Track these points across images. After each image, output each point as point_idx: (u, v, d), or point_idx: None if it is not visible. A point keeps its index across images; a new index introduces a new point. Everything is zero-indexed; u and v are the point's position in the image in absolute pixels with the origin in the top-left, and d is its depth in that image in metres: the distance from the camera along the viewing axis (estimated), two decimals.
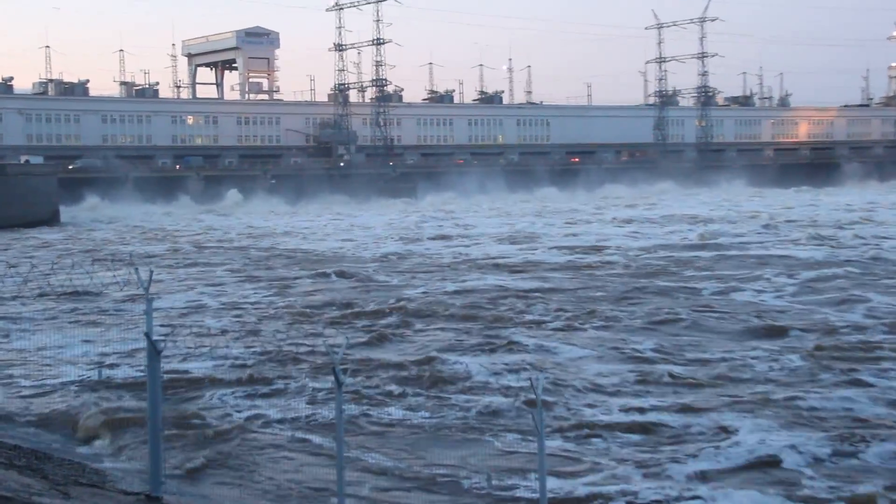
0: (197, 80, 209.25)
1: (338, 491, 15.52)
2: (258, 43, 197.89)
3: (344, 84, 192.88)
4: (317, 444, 22.54)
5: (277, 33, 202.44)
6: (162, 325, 35.17)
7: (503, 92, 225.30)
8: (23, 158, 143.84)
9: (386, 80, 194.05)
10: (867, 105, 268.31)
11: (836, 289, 46.73)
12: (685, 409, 25.39)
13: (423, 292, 48.33)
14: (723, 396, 26.61)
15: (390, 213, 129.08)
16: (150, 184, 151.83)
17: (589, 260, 62.93)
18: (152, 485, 17.39)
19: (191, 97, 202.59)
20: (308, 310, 43.12)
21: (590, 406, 25.98)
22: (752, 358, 31.34)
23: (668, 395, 27.06)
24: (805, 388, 27.16)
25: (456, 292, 47.89)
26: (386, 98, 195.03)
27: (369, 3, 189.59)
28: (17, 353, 33.32)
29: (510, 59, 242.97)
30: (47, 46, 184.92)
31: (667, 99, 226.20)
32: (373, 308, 43.18)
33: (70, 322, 39.80)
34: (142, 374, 23.05)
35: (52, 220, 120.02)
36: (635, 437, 23.29)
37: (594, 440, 23.07)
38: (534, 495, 17.95)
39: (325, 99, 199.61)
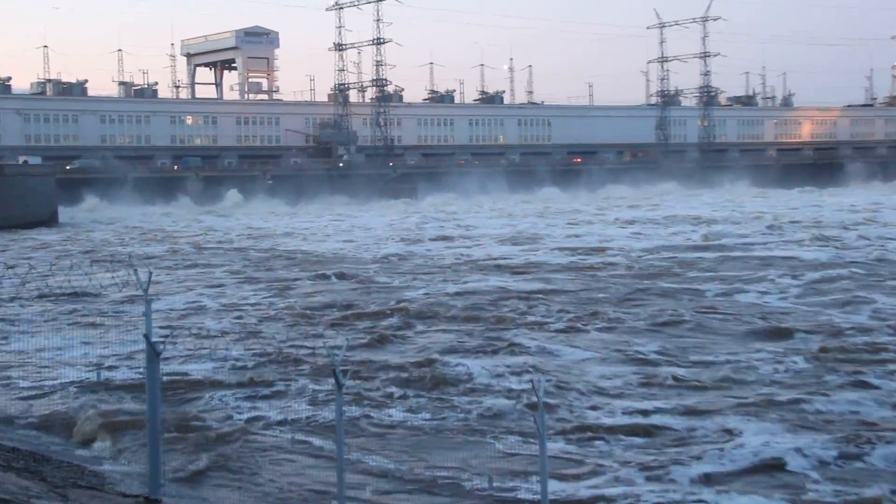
0: (196, 80, 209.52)
1: (338, 494, 15.44)
2: (258, 43, 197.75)
3: (344, 84, 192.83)
4: (317, 447, 22.40)
5: (277, 33, 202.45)
6: (161, 327, 34.89)
7: (504, 92, 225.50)
8: (21, 159, 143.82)
9: (386, 79, 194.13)
10: (871, 105, 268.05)
11: (840, 290, 46.51)
12: (689, 412, 25.23)
13: (425, 294, 48.14)
14: (727, 399, 26.44)
15: (391, 214, 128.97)
16: (150, 184, 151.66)
17: (591, 261, 62.71)
18: (151, 487, 17.30)
19: (190, 97, 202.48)
20: (308, 311, 42.94)
21: (592, 408, 25.82)
22: (757, 360, 31.13)
23: (671, 397, 26.89)
24: (810, 391, 26.96)
25: (457, 294, 47.70)
26: (386, 98, 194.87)
27: (369, 3, 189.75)
28: (15, 354, 33.04)
29: (511, 59, 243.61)
30: (45, 46, 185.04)
31: (669, 99, 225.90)
32: (374, 309, 43.00)
33: (69, 324, 39.64)
34: (141, 375, 23.14)
35: (50, 220, 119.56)
36: (638, 440, 23.13)
37: (597, 442, 22.93)
38: (535, 497, 17.72)
39: (325, 99, 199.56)
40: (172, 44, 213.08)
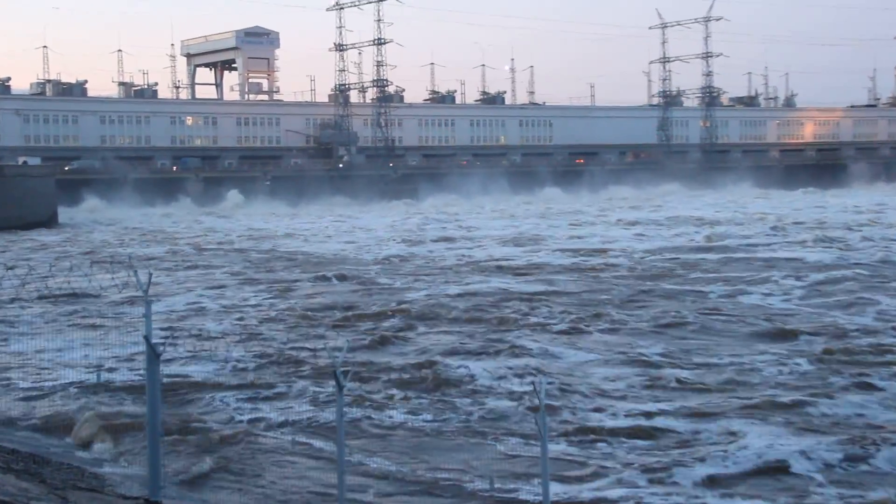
0: (196, 81, 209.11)
1: (339, 496, 15.38)
2: (258, 43, 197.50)
3: (344, 84, 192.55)
4: (318, 448, 22.31)
5: (277, 33, 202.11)
6: (162, 329, 35.03)
7: (505, 92, 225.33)
8: (20, 160, 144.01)
9: (387, 80, 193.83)
10: (874, 105, 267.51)
11: (845, 291, 46.39)
12: (692, 414, 25.13)
13: (426, 295, 48.01)
14: (730, 401, 26.32)
15: (392, 215, 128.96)
16: (149, 185, 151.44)
17: (594, 262, 62.56)
18: (151, 489, 17.21)
19: (190, 98, 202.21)
20: (309, 313, 42.82)
21: (595, 410, 25.72)
22: (761, 362, 31.00)
23: (674, 399, 26.76)
24: (814, 393, 26.82)
25: (459, 295, 47.58)
26: (387, 98, 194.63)
27: (370, 3, 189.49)
28: (15, 355, 32.83)
29: (512, 60, 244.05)
30: (45, 46, 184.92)
31: (671, 99, 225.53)
32: (375, 311, 42.93)
33: (69, 325, 39.59)
34: (141, 377, 23.06)
35: (50, 221, 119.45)
36: (641, 442, 23.03)
37: (599, 444, 22.85)
38: (537, 499, 17.74)
39: (326, 99, 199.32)
40: (172, 44, 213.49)
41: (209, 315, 43.24)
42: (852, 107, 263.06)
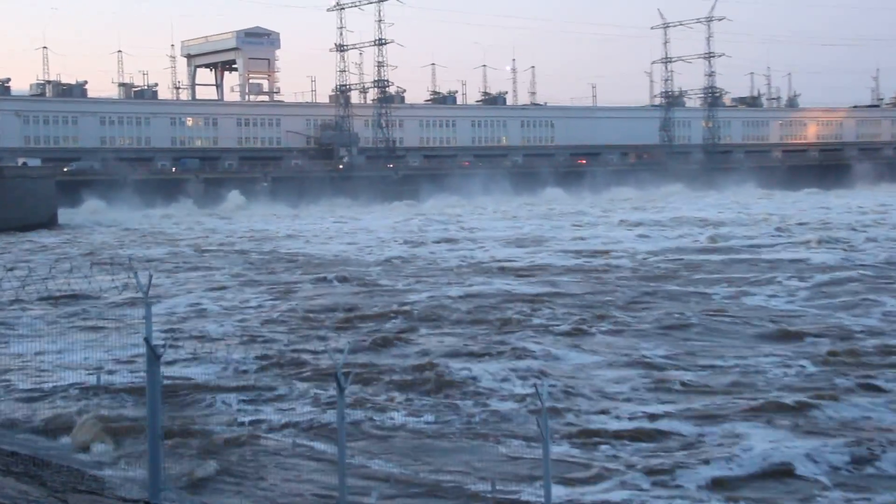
0: (196, 82, 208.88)
1: (340, 498, 15.42)
2: (258, 43, 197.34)
3: (345, 85, 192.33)
4: (320, 450, 22.25)
5: (278, 34, 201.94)
6: (162, 331, 35.05)
7: (507, 93, 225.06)
8: (20, 161, 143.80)
9: (388, 80, 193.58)
10: (877, 106, 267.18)
11: (849, 292, 46.28)
12: (696, 416, 25.03)
13: (428, 297, 47.85)
14: (735, 403, 26.23)
15: (393, 216, 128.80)
16: (150, 186, 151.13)
17: (597, 263, 62.49)
18: (152, 492, 17.08)
19: (190, 98, 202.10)
20: (311, 314, 42.76)
21: (599, 413, 25.62)
22: (765, 363, 30.89)
23: (678, 401, 26.66)
24: (820, 395, 26.67)
25: (462, 297, 47.42)
26: (388, 99, 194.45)
27: (371, 3, 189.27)
28: (15, 357, 32.69)
29: (514, 60, 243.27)
30: (45, 47, 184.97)
31: (673, 100, 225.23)
32: (377, 312, 42.82)
33: (69, 327, 39.41)
34: (141, 379, 22.76)
35: (49, 223, 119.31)
36: (645, 445, 22.94)
37: (603, 447, 22.76)
38: (539, 501, 17.46)
39: (327, 100, 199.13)
40: (172, 45, 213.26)
41: (210, 317, 43.13)
42: (855, 107, 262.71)
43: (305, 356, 32.88)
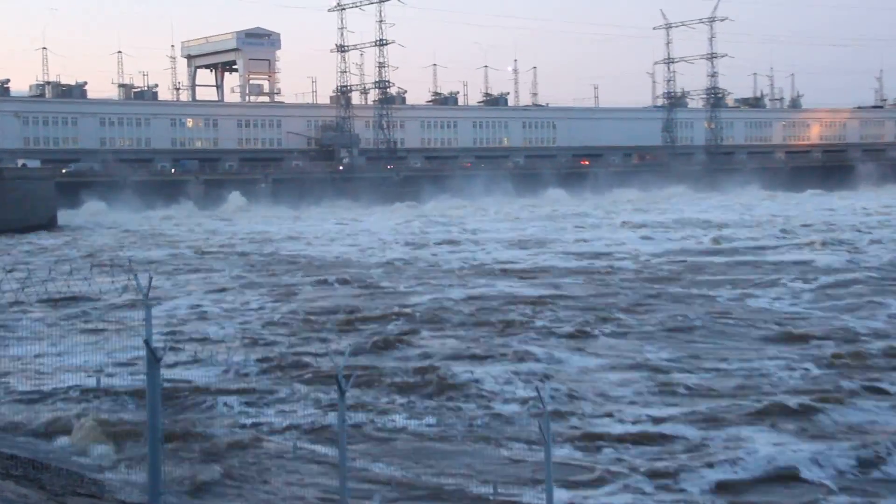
0: (196, 82, 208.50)
1: (340, 502, 15.49)
2: (259, 44, 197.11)
3: (346, 86, 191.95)
4: (321, 454, 22.06)
5: (278, 34, 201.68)
6: (163, 333, 35.04)
7: (508, 94, 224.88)
8: (20, 162, 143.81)
9: (389, 81, 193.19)
10: (880, 107, 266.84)
11: (854, 294, 46.26)
12: (701, 420, 24.95)
13: (430, 299, 47.73)
14: (739, 406, 26.14)
15: (395, 218, 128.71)
16: (150, 188, 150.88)
17: (600, 265, 62.42)
18: (152, 495, 16.81)
19: (190, 99, 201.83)
20: (312, 317, 42.72)
21: (602, 416, 25.59)
22: (770, 366, 30.81)
23: (682, 404, 26.58)
24: (825, 398, 26.57)
25: (464, 299, 47.33)
26: (389, 100, 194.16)
27: (372, 4, 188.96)
28: (14, 360, 32.66)
29: (515, 60, 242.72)
30: (44, 48, 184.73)
31: (675, 100, 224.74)
32: (378, 314, 42.78)
33: (69, 329, 39.45)
34: (141, 382, 22.21)
35: (49, 224, 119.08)
36: (649, 448, 22.88)
37: (606, 450, 22.75)
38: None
39: (327, 101, 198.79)
40: (173, 45, 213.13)
41: (211, 319, 43.10)
42: (859, 108, 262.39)
43: (307, 359, 32.78)
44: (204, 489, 20.24)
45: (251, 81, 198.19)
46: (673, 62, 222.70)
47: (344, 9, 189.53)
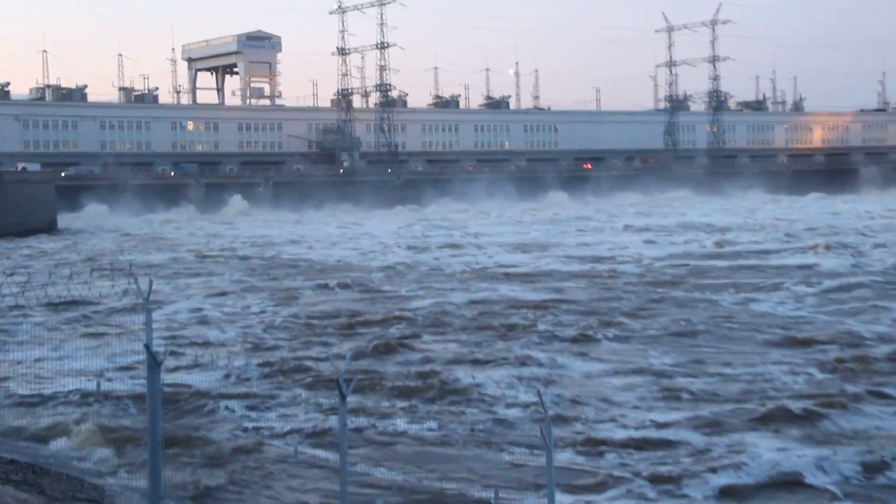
0: (197, 86, 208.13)
1: None
2: (259, 47, 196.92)
3: (347, 89, 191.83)
4: (323, 458, 22.09)
5: (279, 37, 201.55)
6: (163, 337, 35.07)
7: (510, 97, 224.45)
8: (20, 165, 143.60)
9: (390, 84, 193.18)
10: (883, 110, 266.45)
11: (858, 299, 46.13)
12: (704, 425, 24.91)
13: (432, 303, 47.69)
14: (743, 411, 26.07)
15: (396, 221, 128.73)
16: (150, 191, 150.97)
17: (603, 269, 62.23)
18: (152, 500, 17.12)
19: (191, 102, 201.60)
20: (313, 321, 42.66)
21: (604, 420, 25.52)
22: (774, 371, 30.71)
23: (686, 409, 26.50)
24: (829, 403, 26.44)
25: (466, 303, 47.26)
26: (390, 103, 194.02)
27: (373, 6, 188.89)
28: (14, 364, 32.56)
29: (517, 63, 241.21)
30: (45, 51, 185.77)
31: (677, 104, 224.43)
32: (380, 318, 42.69)
33: (69, 333, 39.38)
34: (142, 386, 22.25)
35: (49, 228, 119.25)
36: (652, 453, 22.82)
37: (609, 455, 22.71)
38: None
39: (328, 104, 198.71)
40: (173, 48, 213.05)
41: (212, 323, 43.05)
42: (862, 111, 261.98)
43: (308, 363, 32.74)
44: (207, 494, 20.19)
45: (252, 84, 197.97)
46: (675, 65, 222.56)
47: (345, 11, 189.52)
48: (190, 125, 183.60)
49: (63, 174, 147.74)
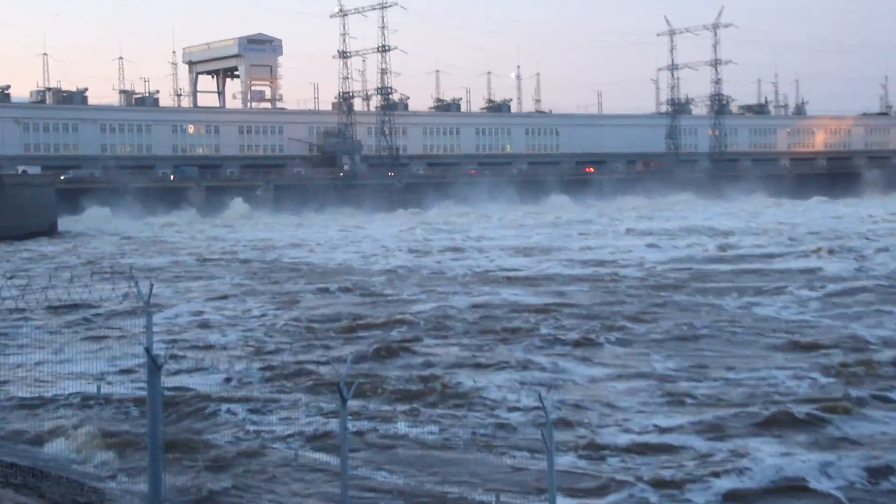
0: (198, 88, 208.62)
1: None
2: (260, 50, 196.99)
3: (348, 92, 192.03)
4: (324, 462, 21.93)
5: (280, 40, 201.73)
6: (164, 341, 34.95)
7: (511, 100, 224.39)
8: (20, 168, 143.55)
9: (391, 87, 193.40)
10: (886, 114, 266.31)
11: (862, 303, 46.01)
12: (708, 429, 24.80)
13: (434, 306, 47.57)
14: (746, 415, 25.93)
15: (398, 225, 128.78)
16: (151, 194, 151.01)
17: (606, 273, 62.15)
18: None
19: (191, 105, 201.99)
20: (314, 324, 42.56)
21: (607, 425, 25.44)
22: (778, 375, 30.56)
23: (689, 414, 26.38)
24: (833, 408, 26.33)
25: (468, 307, 47.15)
26: (391, 106, 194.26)
27: (374, 10, 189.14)
28: (14, 368, 32.52)
29: (518, 67, 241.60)
30: (45, 54, 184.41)
31: (679, 107, 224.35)
32: (381, 322, 42.63)
33: (69, 336, 39.36)
34: (142, 390, 22.51)
35: (50, 231, 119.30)
36: (654, 457, 22.74)
37: (611, 459, 22.63)
38: None
39: (329, 107, 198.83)
40: (174, 51, 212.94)
41: (213, 327, 42.97)
42: (864, 115, 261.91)
43: (309, 366, 32.65)
44: (209, 499, 20.14)
45: (253, 87, 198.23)
46: (677, 69, 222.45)
47: (346, 15, 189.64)
48: (191, 128, 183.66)
49: (63, 177, 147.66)
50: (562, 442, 22.88)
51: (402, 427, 25.04)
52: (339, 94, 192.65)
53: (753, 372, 31.00)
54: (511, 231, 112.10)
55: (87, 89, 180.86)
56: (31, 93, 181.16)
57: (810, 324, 40.57)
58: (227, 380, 31.13)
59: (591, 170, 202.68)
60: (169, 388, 25.28)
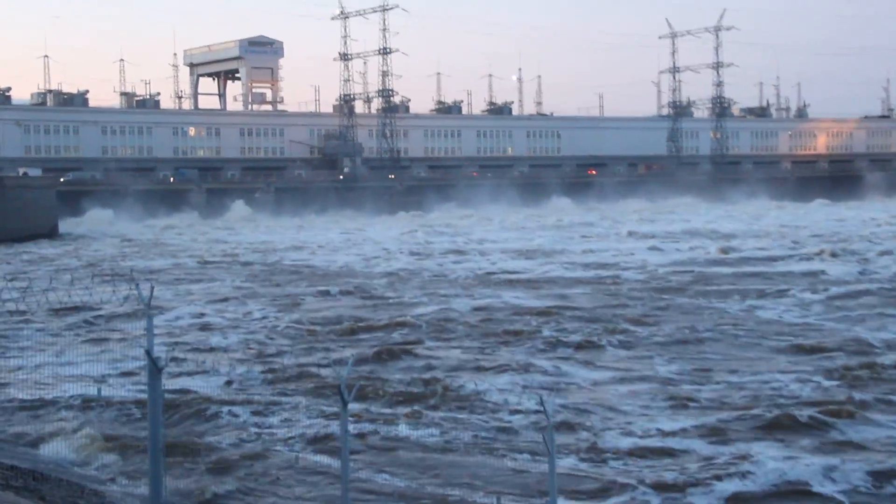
0: (199, 91, 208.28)
1: None
2: (261, 52, 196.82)
3: (349, 94, 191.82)
4: (325, 464, 21.93)
5: (281, 42, 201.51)
6: (165, 343, 34.57)
7: (513, 103, 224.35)
8: (21, 171, 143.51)
9: (392, 90, 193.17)
10: (888, 116, 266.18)
11: (865, 306, 46.00)
12: (710, 433, 24.76)
13: (436, 309, 47.48)
14: (750, 419, 25.89)
15: (399, 227, 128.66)
16: (152, 197, 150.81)
17: (608, 276, 62.10)
18: None
19: (192, 108, 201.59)
20: (315, 327, 42.53)
21: (609, 428, 25.37)
22: (781, 379, 30.52)
23: (692, 417, 26.31)
24: (837, 411, 26.27)
25: (470, 310, 47.11)
26: (392, 109, 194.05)
27: (375, 12, 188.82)
28: (14, 370, 32.57)
29: (520, 69, 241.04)
30: (46, 56, 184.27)
31: (681, 110, 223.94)
32: (382, 325, 42.62)
33: (70, 339, 39.36)
34: (143, 392, 22.27)
35: (50, 233, 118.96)
36: (656, 460, 22.71)
37: (613, 462, 22.61)
38: None
39: (330, 110, 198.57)
40: (175, 53, 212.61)
41: (214, 329, 42.92)
42: (865, 117, 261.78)
43: (311, 369, 32.63)
44: (208, 501, 20.15)
45: (254, 90, 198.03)
46: (678, 71, 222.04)
47: (347, 17, 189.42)
48: (192, 130, 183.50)
49: (64, 179, 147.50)
50: (563, 445, 22.85)
51: (403, 429, 25.06)
52: (340, 97, 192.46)
53: (756, 375, 30.92)
54: (512, 234, 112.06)
55: (87, 91, 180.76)
56: (32, 95, 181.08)
57: (813, 327, 40.51)
58: (229, 382, 31.08)
59: (593, 172, 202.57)
60: (170, 391, 25.23)
